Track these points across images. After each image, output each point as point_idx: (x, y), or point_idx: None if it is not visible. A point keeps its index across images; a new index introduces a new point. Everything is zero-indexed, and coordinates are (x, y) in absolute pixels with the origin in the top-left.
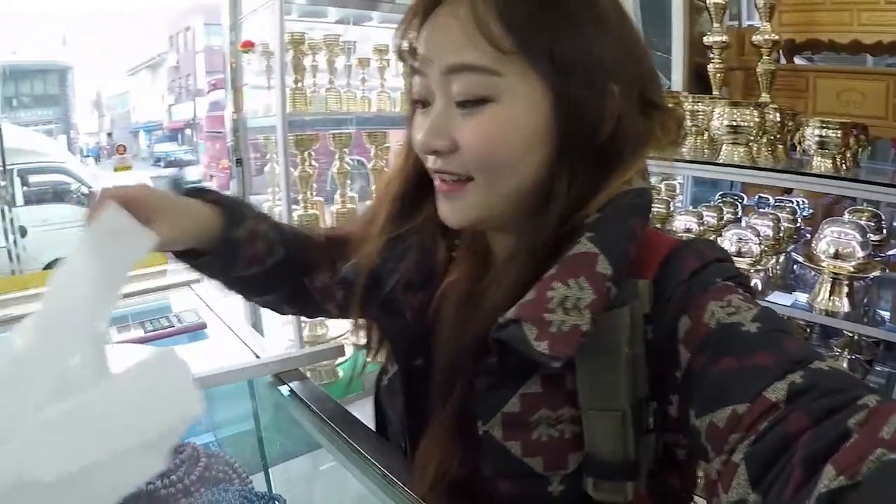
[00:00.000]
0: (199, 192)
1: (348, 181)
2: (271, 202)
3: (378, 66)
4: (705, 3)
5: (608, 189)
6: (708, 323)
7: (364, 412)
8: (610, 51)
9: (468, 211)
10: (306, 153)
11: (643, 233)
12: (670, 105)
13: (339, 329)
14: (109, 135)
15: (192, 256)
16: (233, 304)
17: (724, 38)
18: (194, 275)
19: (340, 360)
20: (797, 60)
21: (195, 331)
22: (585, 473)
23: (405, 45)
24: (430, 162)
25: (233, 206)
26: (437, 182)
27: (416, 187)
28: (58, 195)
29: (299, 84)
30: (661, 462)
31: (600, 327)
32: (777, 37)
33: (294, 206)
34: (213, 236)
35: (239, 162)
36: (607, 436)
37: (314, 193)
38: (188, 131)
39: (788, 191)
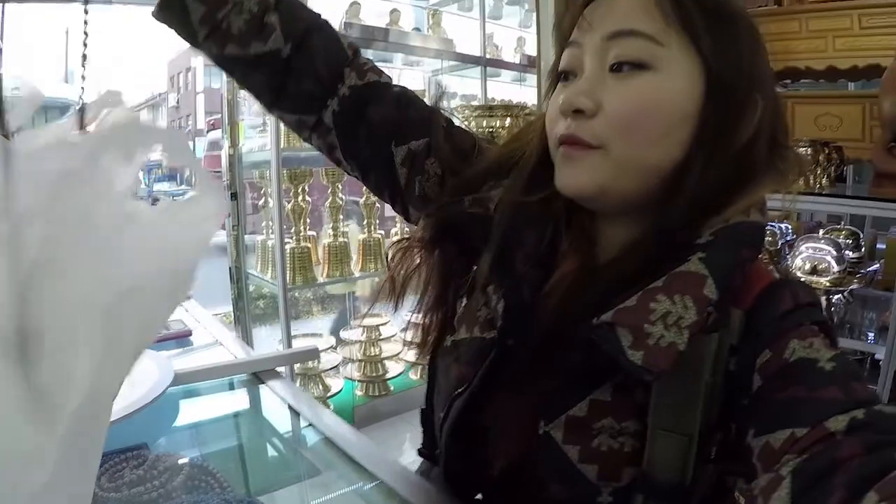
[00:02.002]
0: None
1: (341, 216)
2: (264, 237)
3: None
4: None
5: (727, 211)
6: (787, 358)
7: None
8: (759, 64)
9: (591, 177)
10: (300, 188)
11: (750, 265)
12: (793, 148)
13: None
14: None
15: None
16: (220, 329)
17: None
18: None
19: (331, 393)
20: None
21: (182, 337)
22: (637, 490)
23: (567, 18)
24: (563, 126)
25: None
26: (560, 149)
27: (542, 167)
28: None
29: None
30: (712, 489)
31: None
32: None
33: (287, 240)
34: None
35: (234, 196)
36: (669, 458)
37: (308, 228)
38: (187, 171)
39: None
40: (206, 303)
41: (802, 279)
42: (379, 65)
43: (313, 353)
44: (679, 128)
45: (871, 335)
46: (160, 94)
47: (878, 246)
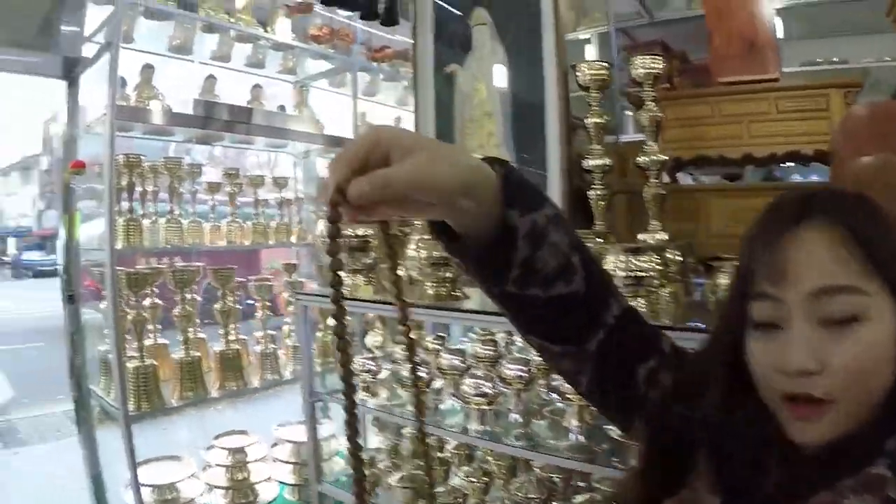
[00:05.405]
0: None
1: (195, 320)
2: (106, 348)
3: (228, 192)
4: (583, 121)
5: None
6: None
7: None
8: None
9: (832, 431)
10: (141, 293)
11: None
12: None
13: None
14: None
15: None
16: None
17: (607, 161)
18: None
19: None
20: (683, 177)
21: None
22: None
23: (759, 266)
24: (787, 384)
25: (522, 185)
26: (787, 406)
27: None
28: None
29: (134, 213)
30: None
31: None
32: (665, 157)
33: (132, 355)
34: (483, 210)
35: (72, 299)
36: None
37: (158, 337)
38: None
39: None
40: None
41: None
42: (241, 147)
43: None
44: (892, 362)
45: None
46: (32, 155)
47: None
